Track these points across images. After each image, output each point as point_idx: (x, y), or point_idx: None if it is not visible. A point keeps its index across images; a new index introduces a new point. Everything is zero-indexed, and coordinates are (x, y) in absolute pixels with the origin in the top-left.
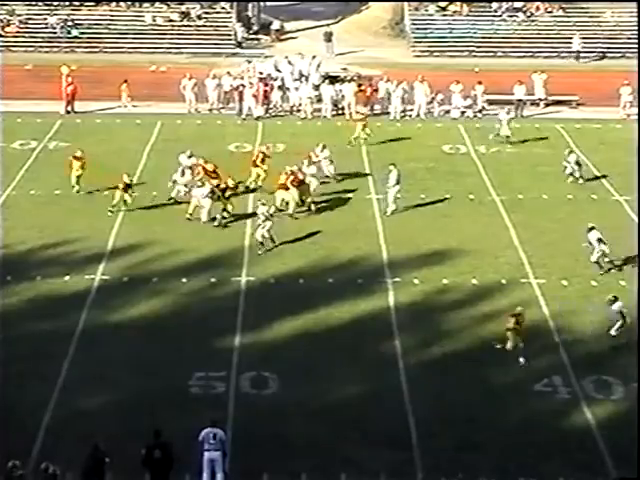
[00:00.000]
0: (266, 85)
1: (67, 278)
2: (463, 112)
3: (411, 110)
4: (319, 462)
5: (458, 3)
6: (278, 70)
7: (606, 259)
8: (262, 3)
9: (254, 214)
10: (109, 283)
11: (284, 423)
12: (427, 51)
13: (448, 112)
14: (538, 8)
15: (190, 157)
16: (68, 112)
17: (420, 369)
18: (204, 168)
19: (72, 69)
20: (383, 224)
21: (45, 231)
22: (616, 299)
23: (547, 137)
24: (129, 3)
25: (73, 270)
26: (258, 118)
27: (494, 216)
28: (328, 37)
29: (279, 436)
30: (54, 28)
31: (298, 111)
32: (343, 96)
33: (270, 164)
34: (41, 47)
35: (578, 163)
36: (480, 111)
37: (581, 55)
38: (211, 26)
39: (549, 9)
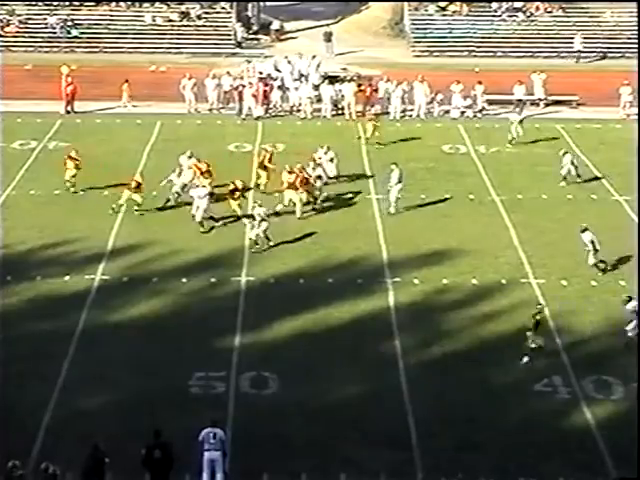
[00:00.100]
0: (266, 85)
1: (67, 278)
2: (463, 112)
3: (411, 110)
4: (319, 462)
5: (458, 3)
6: (278, 70)
7: (589, 261)
8: (262, 3)
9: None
10: (109, 283)
11: (284, 423)
12: (427, 51)
13: (448, 112)
14: (538, 8)
15: (190, 158)
16: (68, 112)
17: (420, 369)
18: (198, 167)
19: (72, 69)
20: (383, 224)
21: (45, 231)
22: (630, 299)
23: (547, 137)
24: (129, 3)
25: (73, 270)
26: (258, 118)
27: (494, 216)
28: (328, 37)
29: (279, 436)
30: (54, 28)
31: (298, 111)
32: (343, 96)
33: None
34: (41, 47)
35: (573, 163)
36: (480, 111)
37: (582, 55)
38: (211, 26)
39: (549, 9)
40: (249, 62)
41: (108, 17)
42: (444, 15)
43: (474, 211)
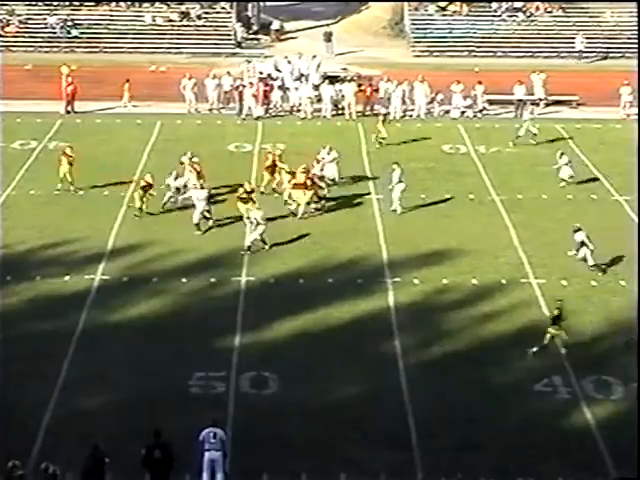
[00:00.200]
0: (266, 85)
1: (67, 278)
2: (463, 112)
3: (411, 110)
4: (319, 462)
5: (458, 3)
6: (278, 70)
7: (589, 262)
8: (262, 3)
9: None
10: (109, 283)
11: (284, 423)
12: (427, 51)
13: (448, 112)
14: (538, 8)
15: (191, 158)
16: (68, 112)
17: (420, 369)
18: (194, 168)
19: (72, 69)
20: (383, 224)
21: (45, 231)
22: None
23: (547, 137)
24: (129, 3)
25: (73, 270)
26: (258, 118)
27: (494, 216)
28: (328, 37)
29: (279, 436)
30: (54, 28)
31: (298, 111)
32: (343, 96)
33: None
34: (41, 47)
35: (569, 163)
36: (480, 111)
37: (583, 55)
38: (211, 26)
39: (549, 9)
40: (249, 62)
41: (108, 17)
42: (444, 15)
43: (474, 211)
